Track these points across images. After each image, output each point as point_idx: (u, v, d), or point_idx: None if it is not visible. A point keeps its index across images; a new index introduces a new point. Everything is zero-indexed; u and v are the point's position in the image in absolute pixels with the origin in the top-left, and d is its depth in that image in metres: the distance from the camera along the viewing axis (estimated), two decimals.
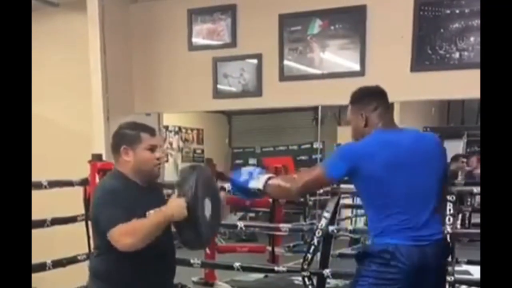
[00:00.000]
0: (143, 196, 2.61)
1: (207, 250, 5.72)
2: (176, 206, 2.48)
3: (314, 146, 11.54)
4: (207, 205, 2.59)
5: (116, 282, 2.60)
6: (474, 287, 3.88)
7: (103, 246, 2.60)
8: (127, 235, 2.42)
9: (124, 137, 2.65)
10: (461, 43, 4.00)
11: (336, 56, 4.47)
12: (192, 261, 4.62)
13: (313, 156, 11.53)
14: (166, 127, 10.38)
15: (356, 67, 4.34)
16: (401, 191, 2.58)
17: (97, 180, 4.53)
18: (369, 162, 2.57)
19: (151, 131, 2.67)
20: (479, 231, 3.18)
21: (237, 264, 4.48)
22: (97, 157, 4.65)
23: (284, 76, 4.58)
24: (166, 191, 3.04)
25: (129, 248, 2.43)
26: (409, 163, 2.58)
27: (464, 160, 5.57)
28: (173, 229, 2.63)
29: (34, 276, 4.78)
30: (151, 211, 2.51)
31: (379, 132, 2.68)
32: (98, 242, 2.67)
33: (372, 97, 2.76)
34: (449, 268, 3.00)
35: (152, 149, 2.62)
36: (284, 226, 4.55)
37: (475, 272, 4.81)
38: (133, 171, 2.62)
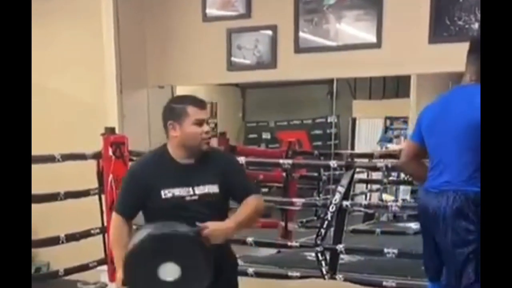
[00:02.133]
0: (180, 173, 2.52)
1: None
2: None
3: (329, 120, 11.42)
4: (168, 269, 2.34)
5: None
6: None
7: None
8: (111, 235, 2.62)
9: (171, 111, 2.53)
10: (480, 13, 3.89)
11: (352, 28, 4.37)
12: None
13: (328, 130, 11.44)
14: None
15: (373, 38, 4.24)
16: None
17: (110, 153, 4.52)
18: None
19: (199, 104, 2.53)
20: None
21: (250, 239, 4.45)
22: (110, 130, 4.62)
23: (299, 48, 4.49)
24: None
25: None
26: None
27: None
28: None
29: (47, 250, 4.83)
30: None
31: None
32: None
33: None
34: None
35: (200, 123, 2.50)
36: (298, 201, 4.51)
37: None
38: (180, 147, 2.52)
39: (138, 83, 5.07)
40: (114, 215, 2.60)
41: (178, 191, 2.49)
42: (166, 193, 2.48)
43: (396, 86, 10.54)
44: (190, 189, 2.49)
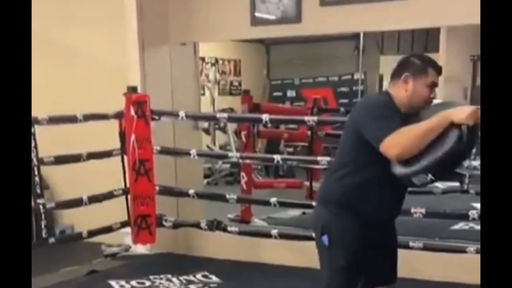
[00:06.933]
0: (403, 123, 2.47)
1: (244, 186, 5.63)
2: (461, 109, 2.35)
3: (355, 77, 11.22)
4: None
5: (352, 206, 2.53)
6: None
7: (351, 165, 2.53)
8: (395, 145, 2.35)
9: (412, 65, 2.55)
10: None
11: None
12: (228, 196, 4.52)
13: (354, 88, 11.25)
14: (203, 59, 10.18)
15: None
16: None
17: (132, 113, 4.44)
18: None
19: (439, 70, 2.57)
20: None
21: (273, 200, 4.36)
22: (132, 89, 4.55)
23: (325, 0, 4.32)
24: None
25: (397, 158, 2.38)
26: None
27: None
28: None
29: (71, 213, 4.80)
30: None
31: None
32: (348, 159, 2.58)
33: None
34: None
35: (432, 87, 2.54)
36: (323, 159, 4.39)
37: None
38: (404, 102, 2.53)
39: (160, 40, 4.95)
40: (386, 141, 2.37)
41: None
42: None
43: (425, 41, 10.27)
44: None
